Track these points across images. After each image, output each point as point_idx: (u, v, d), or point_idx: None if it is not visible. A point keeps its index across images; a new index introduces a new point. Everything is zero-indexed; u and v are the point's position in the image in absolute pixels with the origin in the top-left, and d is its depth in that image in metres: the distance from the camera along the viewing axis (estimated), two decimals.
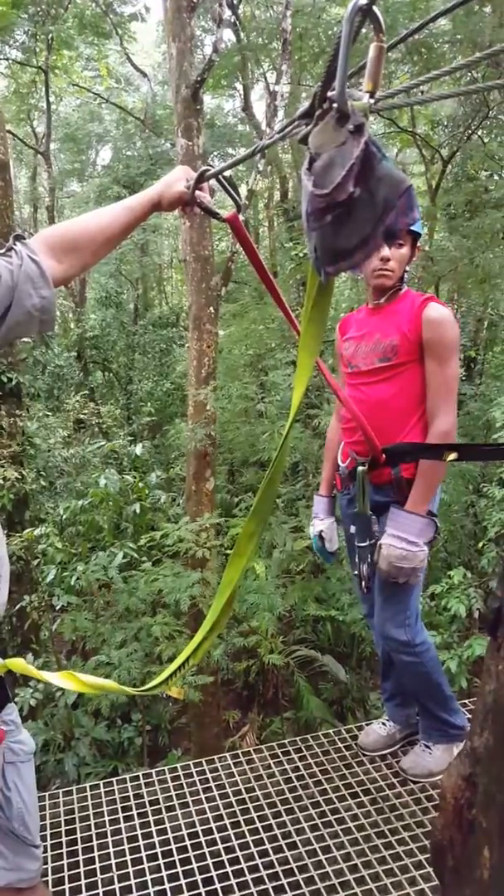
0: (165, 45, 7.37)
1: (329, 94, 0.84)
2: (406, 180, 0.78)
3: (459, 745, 2.42)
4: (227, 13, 8.89)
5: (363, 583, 2.31)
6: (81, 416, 9.45)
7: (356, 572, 2.33)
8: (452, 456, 1.77)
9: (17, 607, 5.30)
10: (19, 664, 1.34)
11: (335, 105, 0.82)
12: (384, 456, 2.15)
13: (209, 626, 1.25)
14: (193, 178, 1.40)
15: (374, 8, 0.78)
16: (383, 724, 2.60)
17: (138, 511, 5.60)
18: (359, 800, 2.34)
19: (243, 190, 8.23)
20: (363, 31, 0.83)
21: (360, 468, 2.20)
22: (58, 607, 5.00)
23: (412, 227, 2.17)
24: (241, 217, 1.40)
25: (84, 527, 5.89)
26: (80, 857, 2.17)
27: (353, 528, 2.30)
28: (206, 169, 1.39)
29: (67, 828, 2.29)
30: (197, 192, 1.40)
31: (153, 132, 12.89)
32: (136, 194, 1.44)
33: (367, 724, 2.69)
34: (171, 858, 2.14)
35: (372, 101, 0.82)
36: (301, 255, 7.52)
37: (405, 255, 2.21)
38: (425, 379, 2.15)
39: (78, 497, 6.48)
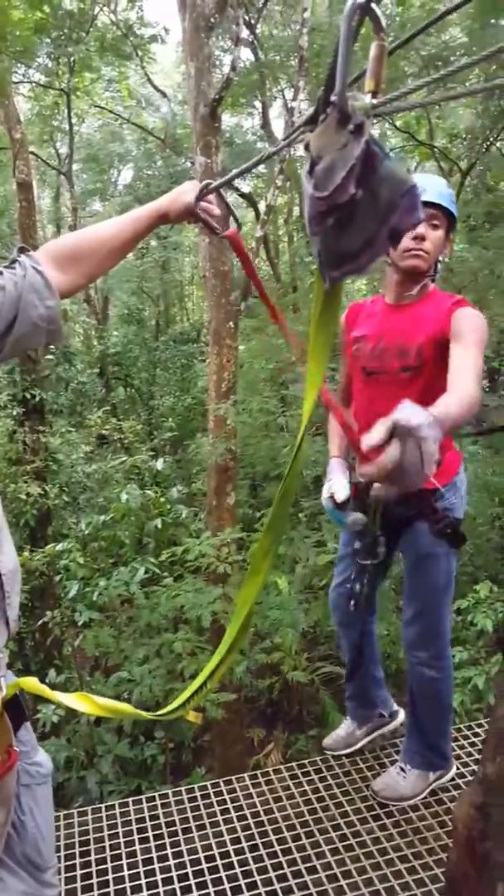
0: (184, 66, 7.46)
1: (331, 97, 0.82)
2: (410, 179, 0.75)
3: (434, 774, 2.35)
4: (245, 32, 9.00)
5: (353, 602, 2.14)
6: (104, 431, 9.54)
7: (348, 586, 2.16)
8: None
9: (40, 623, 5.31)
10: (32, 684, 1.32)
11: (336, 107, 0.80)
12: None
13: (226, 648, 1.21)
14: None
15: (374, 6, 0.76)
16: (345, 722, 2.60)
17: (160, 526, 5.59)
18: (381, 822, 2.27)
19: (262, 205, 8.26)
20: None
21: (378, 485, 2.05)
22: (80, 623, 5.00)
23: (449, 209, 1.95)
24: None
25: (106, 542, 5.90)
26: (95, 880, 2.13)
27: (357, 544, 2.12)
28: (208, 182, 1.37)
29: (82, 849, 2.25)
30: (202, 205, 1.37)
31: (173, 151, 13.06)
32: (142, 206, 1.44)
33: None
34: (187, 882, 2.09)
35: (374, 101, 0.80)
36: None
37: (440, 239, 1.96)
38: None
39: (100, 512, 6.50)
